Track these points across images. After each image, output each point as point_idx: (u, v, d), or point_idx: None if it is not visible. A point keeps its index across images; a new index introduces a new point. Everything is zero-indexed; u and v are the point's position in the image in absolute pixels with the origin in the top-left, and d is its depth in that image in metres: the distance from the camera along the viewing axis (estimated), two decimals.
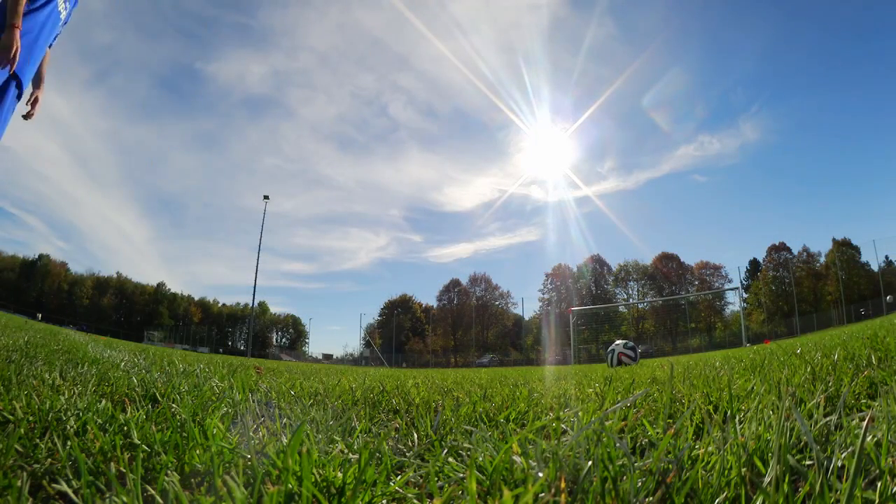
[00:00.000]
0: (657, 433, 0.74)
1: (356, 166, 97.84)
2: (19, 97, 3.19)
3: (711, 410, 1.06)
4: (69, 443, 0.69)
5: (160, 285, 72.10)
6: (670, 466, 0.53)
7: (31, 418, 0.81)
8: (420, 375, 4.39)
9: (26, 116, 3.60)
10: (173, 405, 1.04)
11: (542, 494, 0.49)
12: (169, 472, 0.59)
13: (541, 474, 0.53)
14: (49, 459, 0.65)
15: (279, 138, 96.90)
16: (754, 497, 0.48)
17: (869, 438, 0.57)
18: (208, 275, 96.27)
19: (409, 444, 0.86)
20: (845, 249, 48.88)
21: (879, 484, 0.49)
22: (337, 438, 0.80)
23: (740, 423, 0.76)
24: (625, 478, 0.51)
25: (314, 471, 0.57)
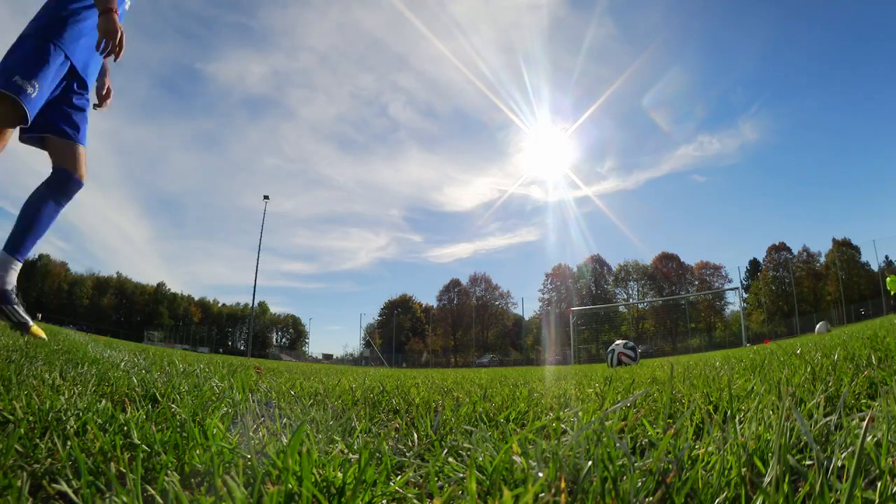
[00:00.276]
0: (657, 433, 0.74)
1: (356, 166, 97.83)
2: (80, 89, 2.95)
3: (711, 410, 1.06)
4: (69, 443, 0.69)
5: (160, 285, 72.11)
6: (670, 466, 0.52)
7: (31, 418, 0.81)
8: (420, 375, 4.39)
9: (98, 106, 3.40)
10: (173, 405, 1.04)
11: (542, 494, 0.49)
12: (169, 472, 0.59)
13: (541, 474, 0.53)
14: (49, 459, 0.65)
15: (279, 138, 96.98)
16: (754, 497, 0.48)
17: (869, 438, 0.57)
18: (208, 275, 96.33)
19: (409, 444, 0.86)
20: (845, 249, 48.89)
21: (879, 484, 0.49)
22: (337, 438, 0.80)
23: (740, 423, 0.76)
24: (625, 478, 0.51)
25: (314, 471, 0.57)
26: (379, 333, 66.06)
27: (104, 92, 3.56)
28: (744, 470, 0.53)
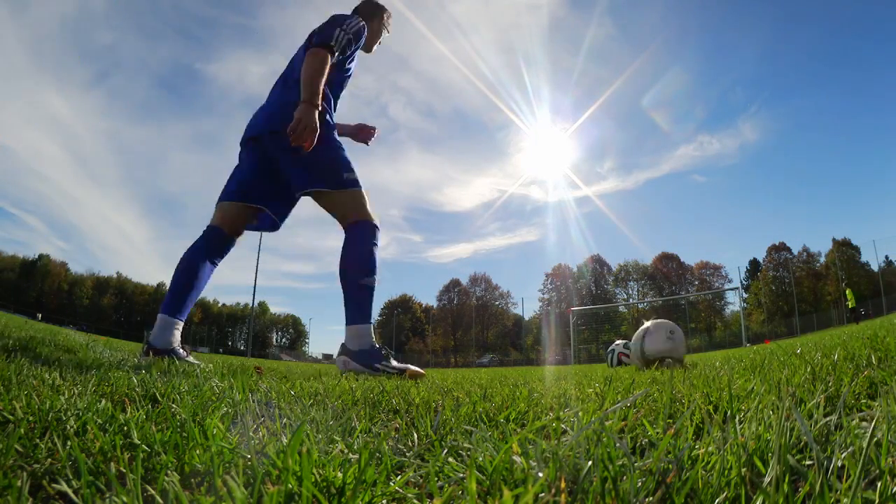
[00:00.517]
0: (657, 433, 0.74)
1: (356, 166, 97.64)
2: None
3: (711, 410, 1.06)
4: (69, 443, 0.69)
5: (160, 285, 72.12)
6: (670, 466, 0.52)
7: (31, 418, 0.81)
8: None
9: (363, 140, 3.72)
10: (173, 405, 1.04)
11: (542, 494, 0.49)
12: (169, 472, 0.59)
13: (541, 474, 0.53)
14: (49, 459, 0.65)
15: None
16: (754, 497, 0.48)
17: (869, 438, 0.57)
18: None
19: (409, 444, 0.86)
20: (845, 249, 48.90)
21: (879, 484, 0.49)
22: (337, 438, 0.80)
23: (740, 423, 0.76)
24: (625, 478, 0.51)
25: (314, 471, 0.57)
26: (379, 333, 66.09)
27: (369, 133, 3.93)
28: (744, 470, 0.53)
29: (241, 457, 0.64)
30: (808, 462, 0.60)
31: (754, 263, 55.62)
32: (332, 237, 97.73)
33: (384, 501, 0.57)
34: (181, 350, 3.01)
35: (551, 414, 1.05)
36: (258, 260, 32.92)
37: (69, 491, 0.52)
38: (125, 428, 0.80)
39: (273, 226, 3.35)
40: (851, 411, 0.93)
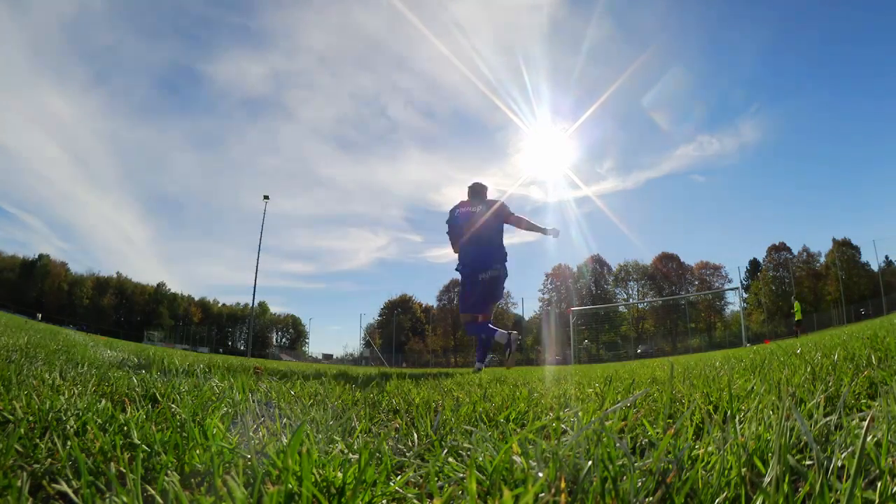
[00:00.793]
0: (657, 433, 0.74)
1: (356, 166, 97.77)
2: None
3: (711, 410, 1.06)
4: (69, 443, 0.69)
5: (160, 285, 72.10)
6: (670, 466, 0.52)
7: (31, 418, 0.81)
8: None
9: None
10: (173, 405, 1.04)
11: (542, 494, 0.49)
12: (169, 472, 0.59)
13: (541, 474, 0.53)
14: (49, 459, 0.65)
15: (279, 139, 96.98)
16: (754, 497, 0.48)
17: (869, 438, 0.57)
18: (208, 275, 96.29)
19: (409, 444, 0.86)
20: (845, 249, 48.89)
21: (879, 484, 0.49)
22: (337, 438, 0.80)
23: (740, 423, 0.76)
24: (625, 478, 0.51)
25: (314, 471, 0.57)
26: (379, 333, 66.10)
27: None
28: (744, 470, 0.53)
29: (241, 457, 0.64)
30: (808, 462, 0.60)
31: (754, 263, 55.63)
32: (333, 237, 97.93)
33: (384, 501, 0.57)
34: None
35: (551, 414, 1.05)
36: (258, 260, 32.89)
37: (69, 491, 0.52)
38: (125, 428, 0.80)
39: None
40: (851, 411, 0.93)
